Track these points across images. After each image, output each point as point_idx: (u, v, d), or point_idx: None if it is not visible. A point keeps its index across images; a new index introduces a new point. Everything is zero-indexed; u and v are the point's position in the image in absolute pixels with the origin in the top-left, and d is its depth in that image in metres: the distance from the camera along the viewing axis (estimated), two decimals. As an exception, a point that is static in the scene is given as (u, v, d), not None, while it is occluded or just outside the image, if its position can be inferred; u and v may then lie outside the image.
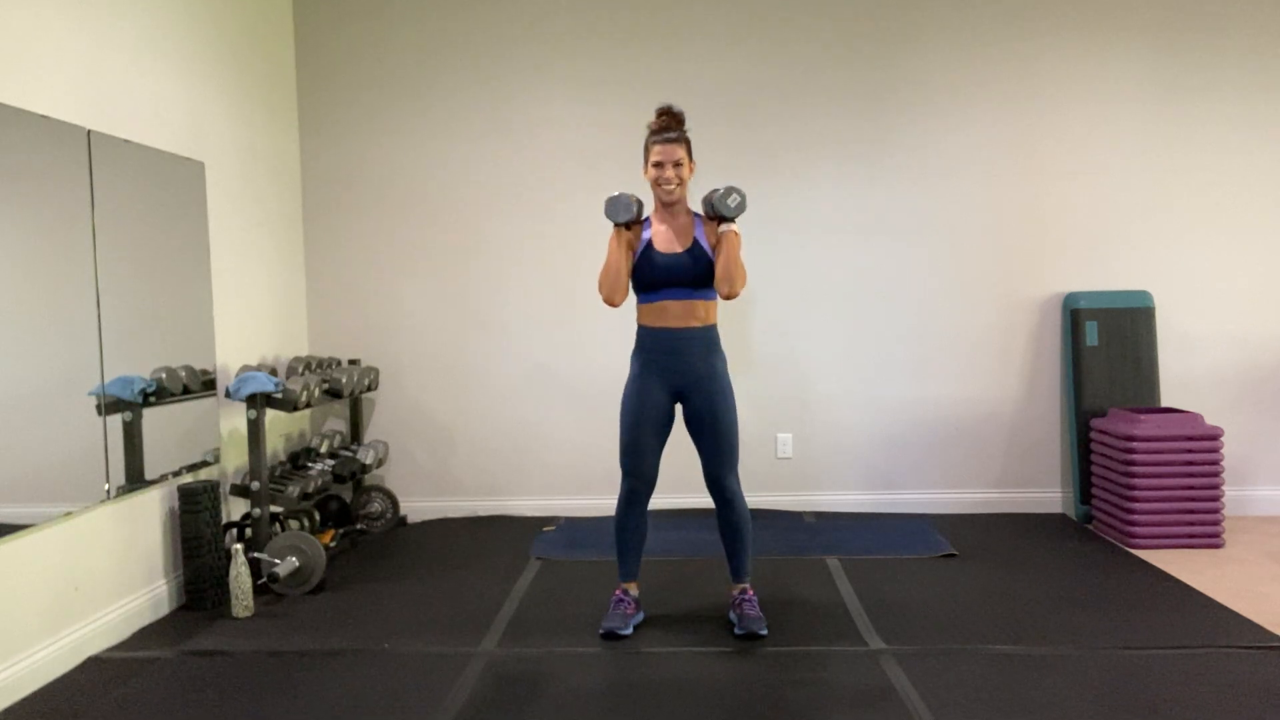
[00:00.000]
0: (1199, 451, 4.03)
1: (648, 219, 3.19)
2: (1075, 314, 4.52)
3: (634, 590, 3.26)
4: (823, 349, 4.71)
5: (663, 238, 3.11)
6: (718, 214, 3.04)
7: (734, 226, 3.03)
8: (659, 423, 3.13)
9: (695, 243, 3.09)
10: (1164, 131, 4.57)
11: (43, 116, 2.84)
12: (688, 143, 3.10)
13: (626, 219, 3.05)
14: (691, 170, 3.12)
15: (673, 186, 3.06)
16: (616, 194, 3.06)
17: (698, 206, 3.25)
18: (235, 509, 3.94)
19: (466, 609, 3.43)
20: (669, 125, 3.09)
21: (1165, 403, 4.60)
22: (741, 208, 3.01)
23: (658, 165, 3.06)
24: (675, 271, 3.06)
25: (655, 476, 3.17)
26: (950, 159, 4.62)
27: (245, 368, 3.81)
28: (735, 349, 4.46)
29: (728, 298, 3.05)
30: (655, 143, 3.07)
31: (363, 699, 2.68)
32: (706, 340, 3.13)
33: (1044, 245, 4.63)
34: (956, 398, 4.70)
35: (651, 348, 3.13)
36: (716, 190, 3.04)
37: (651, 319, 3.13)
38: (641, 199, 3.17)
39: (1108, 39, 4.56)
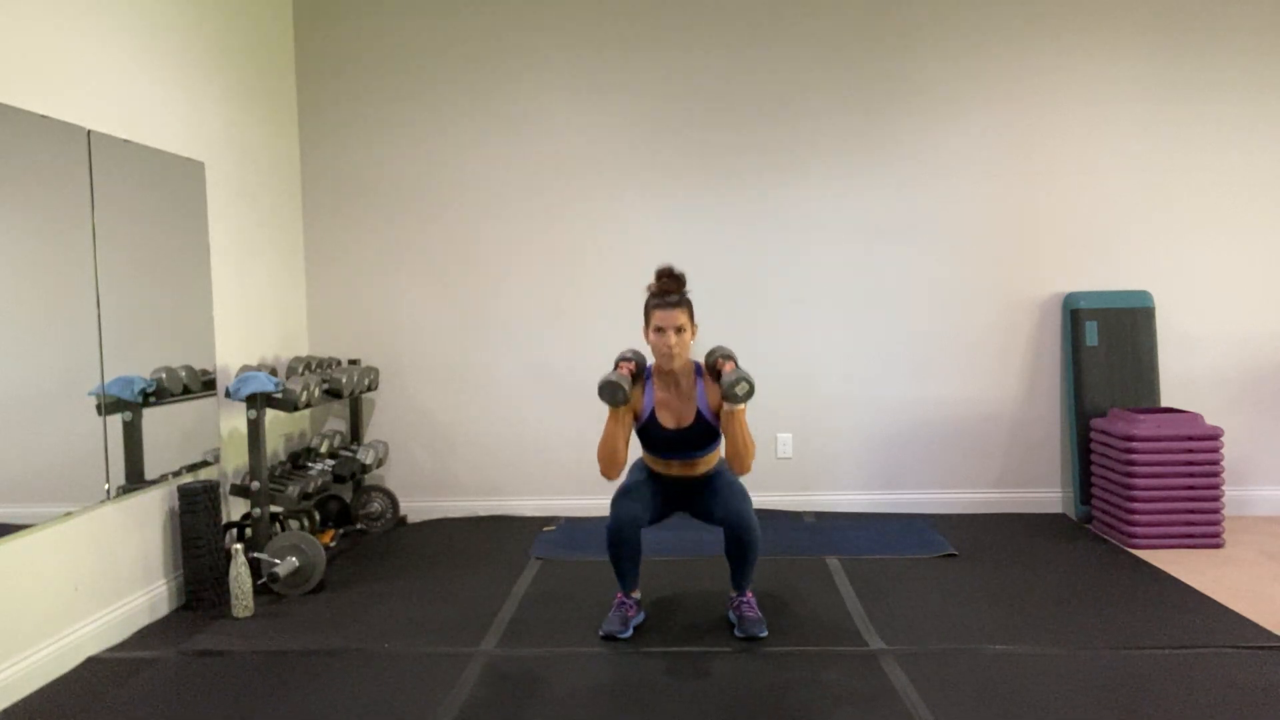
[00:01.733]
0: (1199, 451, 4.03)
1: (649, 378, 3.18)
2: (1075, 314, 4.52)
3: (635, 594, 3.26)
4: (823, 349, 4.71)
5: (666, 410, 3.13)
6: (724, 399, 3.00)
7: (740, 405, 3.03)
8: (657, 508, 3.22)
9: (699, 416, 3.10)
10: (1164, 131, 4.57)
11: (43, 116, 2.84)
12: (689, 306, 3.08)
13: (622, 402, 3.05)
14: (694, 334, 3.10)
15: (674, 354, 3.05)
16: (609, 378, 3.04)
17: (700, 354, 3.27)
18: (235, 509, 3.94)
19: (466, 609, 3.43)
20: (669, 289, 3.07)
21: (1165, 403, 4.60)
22: (749, 395, 2.97)
23: (659, 331, 3.05)
24: (680, 444, 3.14)
25: (645, 522, 3.17)
26: (950, 159, 4.62)
27: (245, 368, 3.81)
28: (736, 349, 4.46)
29: (740, 474, 3.11)
30: (656, 307, 3.05)
31: (363, 699, 2.68)
32: (710, 474, 3.23)
33: (1044, 245, 4.63)
34: (956, 398, 4.70)
35: (655, 477, 3.25)
36: (726, 372, 2.97)
37: (656, 465, 3.25)
38: (640, 357, 3.20)
39: (1108, 39, 4.56)
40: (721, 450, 3.23)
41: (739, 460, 3.06)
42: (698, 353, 3.25)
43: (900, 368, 4.70)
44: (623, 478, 3.30)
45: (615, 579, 3.31)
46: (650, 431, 3.15)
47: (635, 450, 3.28)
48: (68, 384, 2.93)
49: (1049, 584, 3.59)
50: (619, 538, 3.10)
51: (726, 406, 3.02)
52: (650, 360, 3.21)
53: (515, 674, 2.84)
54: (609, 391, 3.03)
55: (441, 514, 4.81)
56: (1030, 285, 4.65)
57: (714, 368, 3.09)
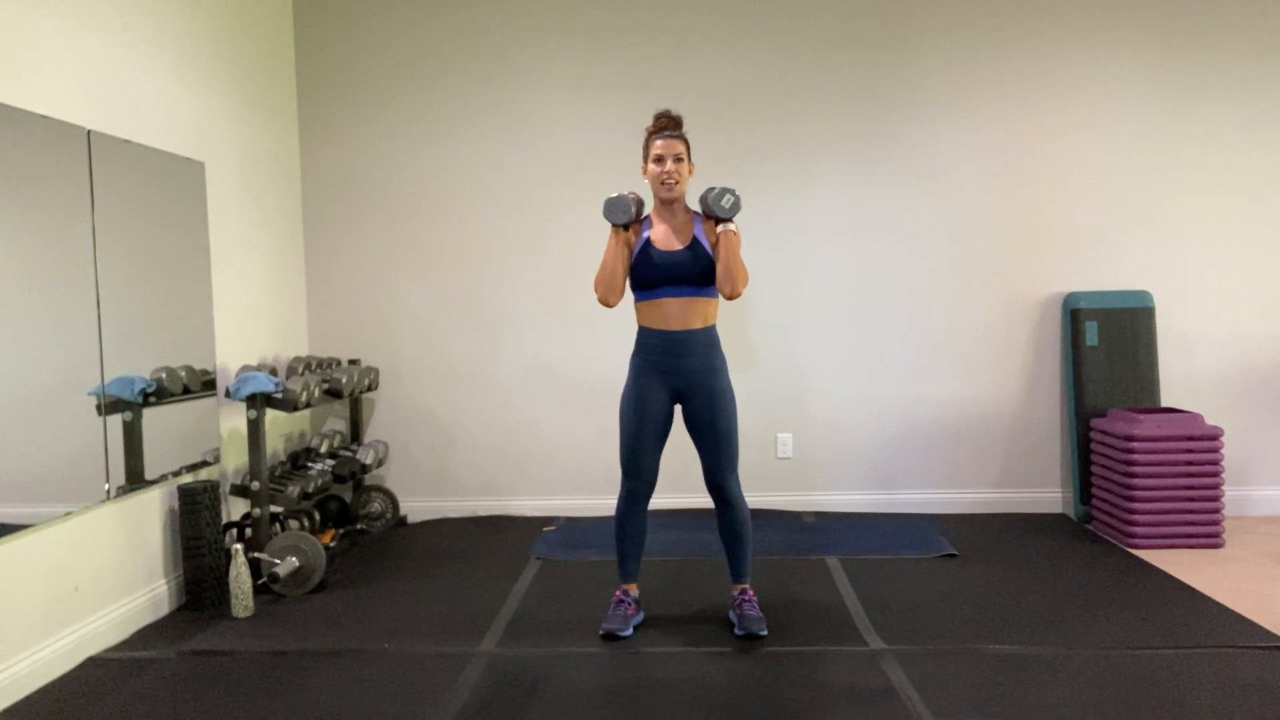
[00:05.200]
0: (1199, 451, 4.03)
1: (647, 218, 3.20)
2: (1075, 314, 4.52)
3: (634, 591, 3.26)
4: (823, 349, 4.71)
5: (661, 235, 3.13)
6: (713, 215, 3.07)
7: (732, 226, 3.05)
8: (659, 423, 3.14)
9: (695, 240, 3.10)
10: (1164, 131, 4.57)
11: (43, 116, 2.84)
12: (686, 141, 3.13)
13: (625, 220, 3.07)
14: (691, 170, 3.14)
15: (673, 181, 3.08)
16: (615, 194, 3.07)
17: (697, 205, 3.26)
18: (235, 509, 3.94)
19: (466, 609, 3.43)
20: (668, 125, 3.13)
21: (1165, 403, 4.60)
22: (736, 207, 3.03)
23: (658, 160, 3.09)
24: (674, 269, 3.07)
25: (655, 476, 3.17)
26: (950, 159, 4.62)
27: (245, 368, 3.81)
28: (735, 349, 4.46)
29: (730, 298, 3.06)
30: (655, 138, 3.11)
31: (363, 699, 2.68)
32: (707, 341, 3.13)
33: (1044, 245, 4.63)
34: (956, 398, 4.70)
35: (651, 348, 3.13)
36: (711, 190, 3.06)
37: (651, 320, 3.14)
38: (642, 197, 3.19)
39: (1108, 39, 4.56)
40: (716, 309, 3.19)
41: (730, 281, 3.03)
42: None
43: (900, 368, 4.70)
44: (624, 432, 3.16)
45: (615, 578, 3.31)
46: (644, 259, 3.09)
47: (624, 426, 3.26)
48: (68, 384, 2.93)
49: (1049, 584, 3.59)
50: (631, 499, 3.14)
51: (720, 227, 3.05)
52: (649, 209, 3.22)
53: (515, 674, 2.84)
54: (615, 206, 3.05)
55: (441, 514, 4.81)
56: (1030, 285, 4.65)
57: (704, 199, 3.10)
